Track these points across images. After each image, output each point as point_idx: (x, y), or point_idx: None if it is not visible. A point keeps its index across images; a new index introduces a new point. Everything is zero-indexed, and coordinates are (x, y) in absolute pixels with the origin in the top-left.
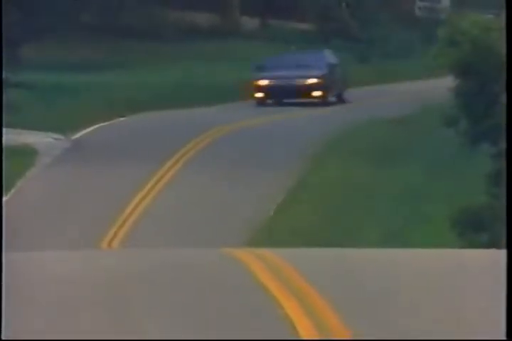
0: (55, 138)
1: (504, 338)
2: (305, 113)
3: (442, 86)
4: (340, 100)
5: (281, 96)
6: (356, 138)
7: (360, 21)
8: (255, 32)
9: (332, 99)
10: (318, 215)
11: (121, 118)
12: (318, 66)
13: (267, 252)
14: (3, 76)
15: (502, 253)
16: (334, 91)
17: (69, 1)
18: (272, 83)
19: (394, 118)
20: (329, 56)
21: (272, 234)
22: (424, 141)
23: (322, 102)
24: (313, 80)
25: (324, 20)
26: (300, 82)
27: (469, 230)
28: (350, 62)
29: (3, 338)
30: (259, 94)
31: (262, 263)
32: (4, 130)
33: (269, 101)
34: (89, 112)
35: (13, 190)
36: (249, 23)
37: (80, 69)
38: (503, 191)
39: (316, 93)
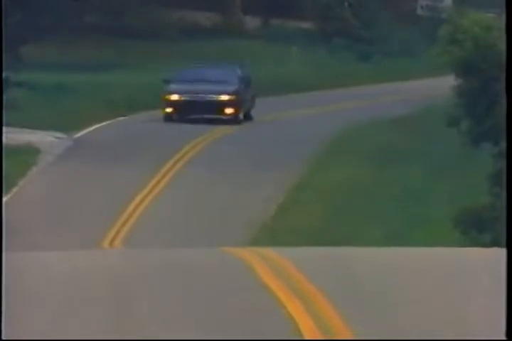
0: (57, 137)
1: (504, 338)
2: (307, 111)
3: (443, 85)
4: (248, 117)
5: (192, 112)
6: (357, 138)
7: (362, 20)
8: (257, 31)
9: (241, 116)
10: (319, 215)
11: (123, 118)
12: (231, 81)
13: (269, 251)
14: (5, 75)
15: (502, 252)
16: (245, 108)
17: (71, 2)
18: (182, 98)
19: (395, 117)
20: (240, 71)
21: (273, 233)
22: (425, 141)
23: (233, 120)
24: (226, 97)
25: (326, 19)
26: (212, 97)
27: (472, 230)
28: (352, 61)
29: (3, 338)
30: (169, 109)
31: (265, 263)
32: (6, 129)
33: (177, 116)
34: (91, 111)
35: (15, 189)
36: (251, 22)
37: (82, 69)
38: (505, 191)
39: (229, 110)
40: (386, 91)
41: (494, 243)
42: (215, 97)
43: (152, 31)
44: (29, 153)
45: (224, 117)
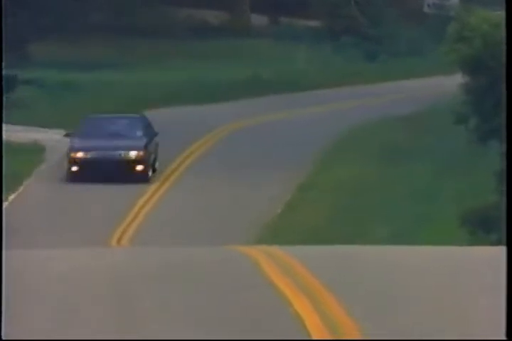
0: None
1: (504, 338)
2: (313, 109)
3: (450, 83)
4: (153, 170)
5: (99, 171)
6: (363, 136)
7: (369, 18)
8: (264, 29)
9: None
10: (325, 214)
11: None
12: (138, 135)
13: (276, 249)
14: (13, 73)
15: (503, 250)
16: (153, 161)
17: (76, 1)
18: (89, 156)
19: (402, 116)
20: (145, 120)
21: (280, 231)
22: (432, 139)
23: (142, 177)
24: (135, 153)
25: (333, 18)
26: (121, 154)
27: (479, 230)
28: (359, 59)
29: (3, 338)
30: (74, 168)
31: (271, 261)
32: (13, 127)
33: (84, 176)
34: (97, 110)
35: (21, 187)
36: (259, 20)
37: (88, 68)
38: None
39: (139, 167)
40: (393, 90)
41: (501, 242)
42: (123, 154)
43: (160, 30)
44: (35, 152)
45: (134, 175)
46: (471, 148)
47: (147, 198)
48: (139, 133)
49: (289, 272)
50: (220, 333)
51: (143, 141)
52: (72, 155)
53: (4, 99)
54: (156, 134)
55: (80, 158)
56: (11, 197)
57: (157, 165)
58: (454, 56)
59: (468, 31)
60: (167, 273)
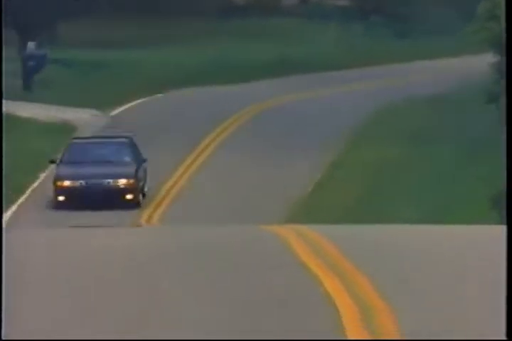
0: (94, 115)
1: (504, 338)
2: (341, 89)
3: (481, 63)
4: (143, 196)
5: (88, 200)
6: (392, 117)
7: None
8: (294, 9)
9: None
10: (354, 193)
11: (159, 95)
12: (127, 161)
13: (306, 229)
14: (43, 53)
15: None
16: (143, 187)
17: None
18: (76, 184)
19: (430, 96)
20: (133, 144)
21: (309, 211)
22: (462, 120)
23: (133, 205)
24: (125, 181)
25: None
26: (110, 183)
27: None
28: (388, 38)
29: (3, 338)
30: (61, 198)
31: (302, 240)
32: (43, 106)
33: (71, 205)
34: (127, 89)
35: (52, 166)
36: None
37: (117, 47)
38: None
39: (129, 196)
40: (421, 69)
41: None
42: (112, 182)
43: (189, 8)
44: (65, 131)
45: (123, 204)
46: (500, 127)
47: (179, 174)
48: (128, 158)
49: (319, 252)
50: (248, 313)
51: (132, 168)
52: (59, 184)
53: (34, 78)
54: (144, 160)
55: (66, 187)
56: (43, 175)
57: (146, 189)
58: (484, 35)
59: (500, 10)
60: (195, 252)
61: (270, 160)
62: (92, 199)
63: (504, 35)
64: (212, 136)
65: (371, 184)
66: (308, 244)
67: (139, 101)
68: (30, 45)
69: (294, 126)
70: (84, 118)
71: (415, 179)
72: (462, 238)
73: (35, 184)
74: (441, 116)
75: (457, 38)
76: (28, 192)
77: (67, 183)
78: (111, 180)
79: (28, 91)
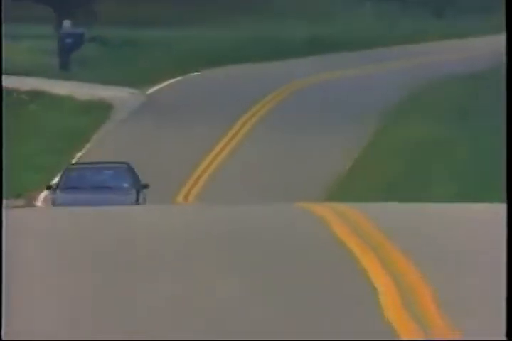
0: (130, 93)
1: (504, 338)
2: (377, 68)
3: None
4: None
5: None
6: (430, 95)
7: None
8: None
9: None
10: (393, 171)
11: (196, 73)
12: (125, 187)
13: (345, 207)
14: (80, 31)
15: None
16: None
17: None
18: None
19: (468, 74)
20: (132, 170)
21: (348, 188)
22: (501, 98)
23: None
24: None
25: None
26: None
27: None
28: (425, 17)
29: (3, 338)
30: None
31: (340, 219)
32: (80, 84)
33: None
34: (164, 67)
35: (88, 145)
36: None
37: (154, 25)
38: None
39: None
40: (459, 48)
41: None
42: None
43: None
44: (102, 109)
45: None
46: None
47: (222, 146)
48: (126, 184)
49: (357, 230)
50: (285, 291)
51: (132, 195)
52: None
53: (70, 56)
54: (145, 186)
55: None
56: (78, 154)
57: None
58: None
59: None
60: (232, 230)
61: (308, 137)
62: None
63: (504, 35)
64: (251, 113)
65: (410, 161)
66: (346, 222)
67: (175, 79)
68: (66, 23)
69: (332, 103)
70: (120, 97)
71: (455, 156)
72: (500, 216)
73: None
74: (482, 94)
75: (494, 16)
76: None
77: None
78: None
79: (64, 69)
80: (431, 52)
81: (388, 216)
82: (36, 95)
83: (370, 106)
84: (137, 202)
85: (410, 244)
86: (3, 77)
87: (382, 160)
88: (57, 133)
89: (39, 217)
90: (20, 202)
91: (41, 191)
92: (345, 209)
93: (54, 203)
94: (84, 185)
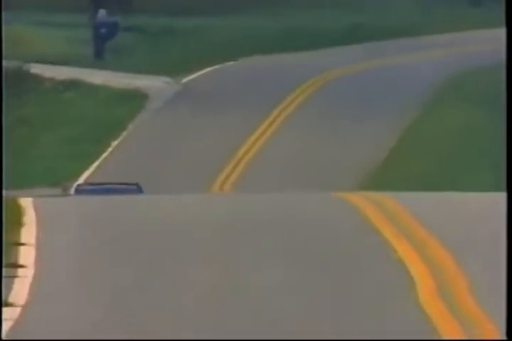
0: (165, 82)
1: (504, 338)
2: (414, 56)
3: None
4: None
5: None
6: (467, 84)
7: None
8: None
9: None
10: (430, 159)
11: (232, 62)
12: None
13: (380, 196)
14: (115, 20)
15: None
16: None
17: None
18: None
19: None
20: (141, 191)
21: (384, 177)
22: None
23: None
24: None
25: None
26: None
27: None
28: (462, 6)
29: (3, 338)
30: None
31: (375, 207)
32: (115, 73)
33: None
34: (200, 56)
35: (124, 133)
36: None
37: (189, 14)
38: None
39: None
40: (495, 37)
41: None
42: None
43: None
44: (137, 98)
45: None
46: None
47: (258, 134)
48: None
49: (393, 219)
50: (322, 278)
51: None
52: None
53: (105, 45)
54: None
55: None
56: (115, 143)
57: None
58: None
59: None
60: (266, 219)
61: (346, 124)
62: None
63: (504, 34)
64: (288, 101)
65: (447, 150)
66: (382, 211)
67: (209, 68)
68: (101, 12)
69: (369, 91)
70: (155, 86)
71: (491, 145)
72: None
73: (105, 154)
74: None
75: None
76: (97, 163)
77: None
78: None
79: (99, 58)
80: (468, 41)
81: (423, 205)
82: (71, 84)
83: (407, 95)
84: None
85: (445, 233)
86: (39, 65)
87: (419, 148)
88: (93, 122)
89: (71, 204)
90: (56, 191)
91: (76, 180)
92: (380, 198)
93: None
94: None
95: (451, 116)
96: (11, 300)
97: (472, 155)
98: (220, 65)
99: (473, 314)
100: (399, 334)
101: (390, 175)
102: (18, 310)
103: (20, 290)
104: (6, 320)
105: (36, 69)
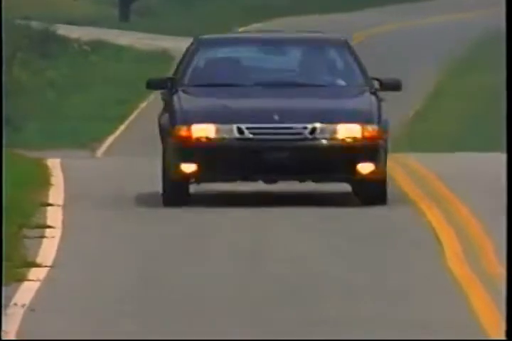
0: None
1: (504, 338)
2: (441, 19)
3: None
4: None
5: (249, 170)
6: (493, 45)
7: None
8: None
9: None
10: (456, 122)
11: (259, 24)
12: (345, 87)
13: (409, 158)
14: None
15: None
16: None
17: None
18: (223, 136)
19: None
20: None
21: (411, 139)
22: None
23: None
24: (358, 128)
25: None
26: (317, 133)
27: None
28: None
29: (3, 338)
30: (186, 167)
31: (402, 169)
32: (141, 35)
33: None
34: (227, 17)
35: (153, 95)
36: None
37: None
38: None
39: (367, 165)
40: None
41: None
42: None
43: None
44: (164, 60)
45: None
46: None
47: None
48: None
49: (420, 181)
50: (350, 239)
51: (368, 103)
52: (180, 133)
53: (130, 7)
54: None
55: (199, 142)
56: (143, 104)
57: None
58: None
59: None
60: (296, 191)
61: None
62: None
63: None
64: None
65: (473, 112)
66: (409, 173)
67: (239, 29)
68: None
69: (394, 53)
70: (182, 48)
71: None
72: None
73: (132, 116)
74: None
75: None
76: (123, 127)
77: (199, 132)
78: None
79: (124, 20)
80: (491, 5)
81: (450, 166)
82: (99, 45)
83: (433, 57)
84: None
85: (472, 196)
86: (64, 26)
87: (444, 111)
88: (120, 84)
89: (99, 165)
90: (83, 152)
91: (104, 142)
92: (407, 159)
93: (178, 118)
94: (241, 81)
95: (476, 78)
96: (38, 260)
97: (497, 117)
98: (249, 27)
99: (499, 275)
100: (425, 294)
101: (415, 137)
102: (45, 270)
103: (47, 251)
104: (32, 280)
105: (63, 30)
